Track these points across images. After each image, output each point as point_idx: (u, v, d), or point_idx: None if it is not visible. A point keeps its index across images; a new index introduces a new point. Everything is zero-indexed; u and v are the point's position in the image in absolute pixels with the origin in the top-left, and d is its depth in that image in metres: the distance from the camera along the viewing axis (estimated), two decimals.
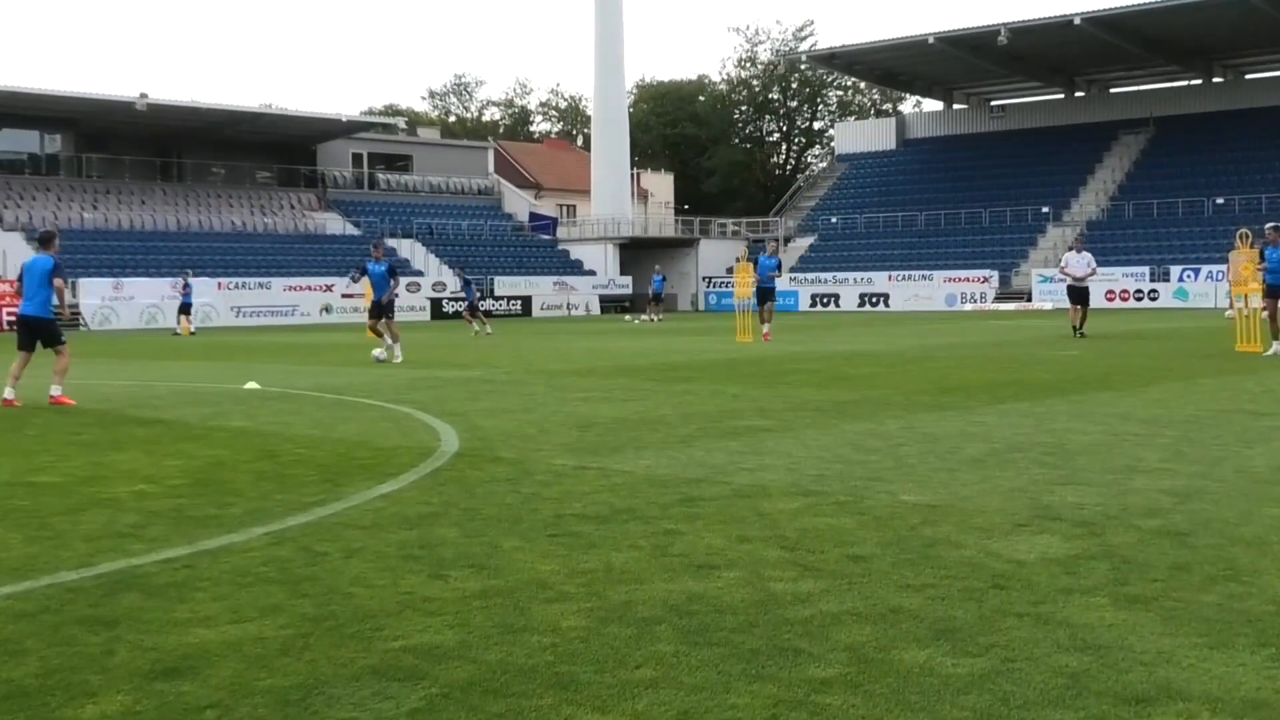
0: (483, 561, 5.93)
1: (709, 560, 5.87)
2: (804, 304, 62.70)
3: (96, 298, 48.74)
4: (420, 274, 61.95)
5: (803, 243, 71.48)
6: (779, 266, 30.46)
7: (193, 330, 41.24)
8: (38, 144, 61.88)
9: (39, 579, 5.71)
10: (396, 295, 24.14)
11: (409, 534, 6.59)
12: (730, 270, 57.81)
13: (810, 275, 64.50)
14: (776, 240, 30.62)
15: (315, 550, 6.22)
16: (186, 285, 41.97)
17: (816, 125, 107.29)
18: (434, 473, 8.71)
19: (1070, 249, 28.15)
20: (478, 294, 35.50)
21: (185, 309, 41.85)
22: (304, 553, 6.17)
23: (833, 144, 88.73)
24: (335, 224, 65.73)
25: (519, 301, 61.57)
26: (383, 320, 23.51)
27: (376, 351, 23.03)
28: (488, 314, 53.28)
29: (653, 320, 47.38)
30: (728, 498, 7.54)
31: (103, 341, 35.21)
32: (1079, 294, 27.25)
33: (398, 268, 32.21)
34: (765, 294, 28.93)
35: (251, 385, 16.59)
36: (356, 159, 71.99)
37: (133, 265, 53.76)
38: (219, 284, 52.48)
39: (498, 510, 7.25)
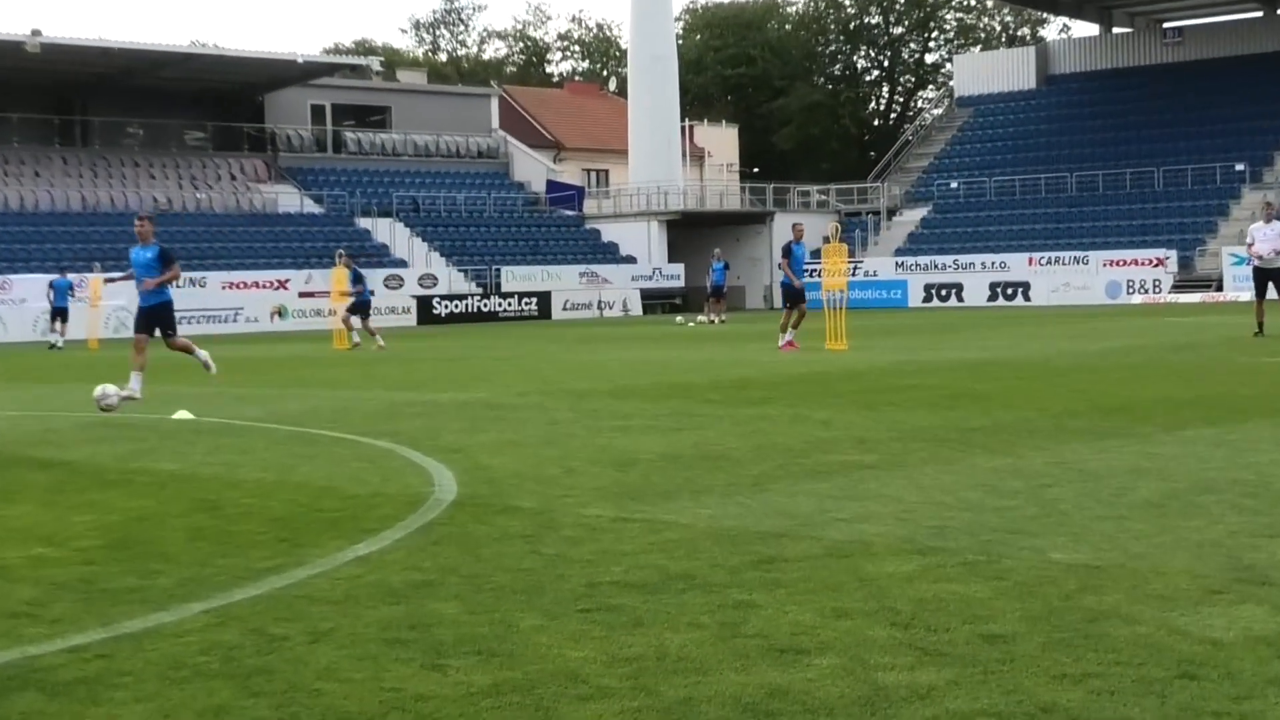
0: (493, 646, 5.93)
1: (795, 642, 5.85)
2: (914, 297, 62.60)
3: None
4: (402, 264, 62.28)
5: (911, 216, 71.44)
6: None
7: (59, 343, 41.55)
8: None
9: None
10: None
11: (394, 610, 6.60)
12: (816, 254, 57.70)
13: (922, 259, 64.42)
14: (800, 225, 30.56)
15: (270, 633, 6.24)
16: (59, 283, 42.64)
17: (929, 58, 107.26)
18: (425, 528, 8.72)
19: (1262, 219, 27.98)
20: (371, 292, 36.95)
21: (60, 313, 42.42)
22: (256, 636, 6.19)
23: (951, 83, 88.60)
24: (290, 199, 66.18)
25: (533, 299, 61.76)
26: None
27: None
28: (505, 315, 53.57)
29: (713, 321, 47.42)
30: (818, 558, 7.51)
31: None
32: (1269, 279, 27.08)
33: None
34: (795, 295, 29.09)
35: (182, 414, 16.70)
36: (317, 113, 72.46)
37: (24, 258, 54.33)
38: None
39: (511, 577, 7.25)
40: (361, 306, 35.96)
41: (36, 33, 57.49)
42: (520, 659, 5.73)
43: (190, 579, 7.40)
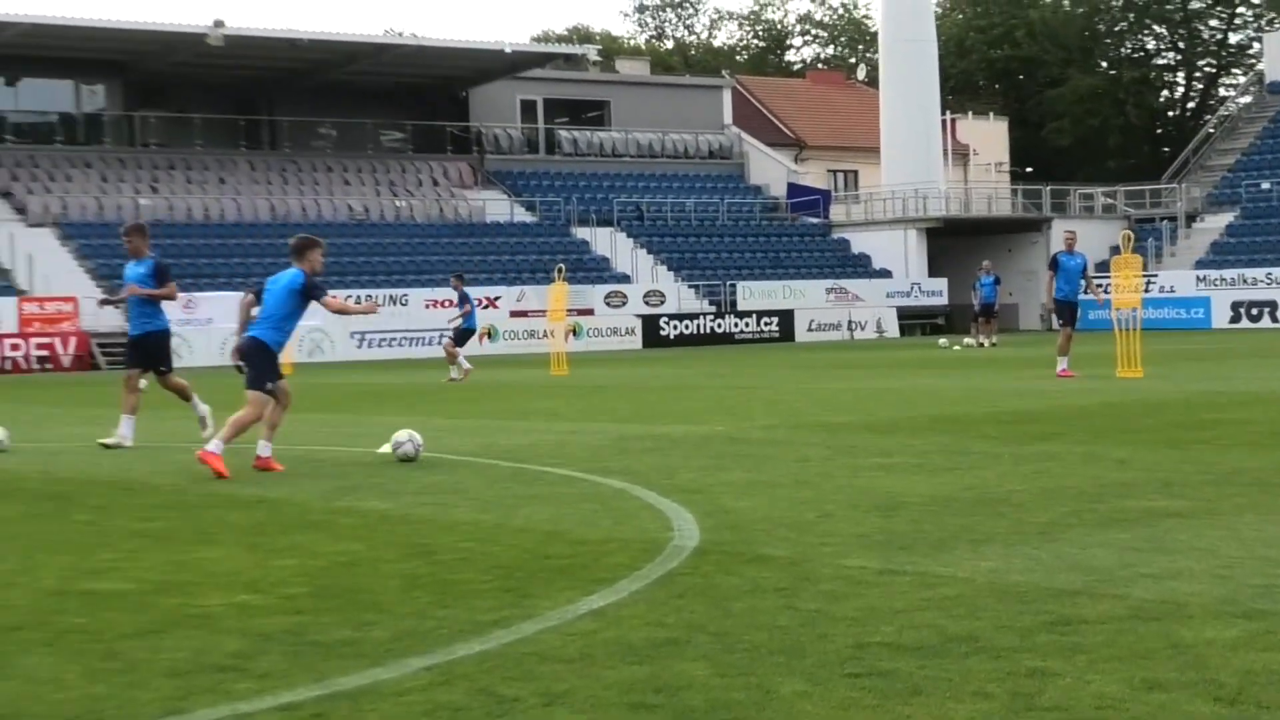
0: (750, 714, 5.95)
1: (1099, 717, 5.79)
2: (1219, 317, 61.33)
3: None
4: (625, 279, 62.74)
5: (1215, 222, 70.08)
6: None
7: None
8: (72, 99, 64.88)
9: None
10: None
11: (636, 671, 6.66)
12: (1103, 266, 56.91)
13: (1228, 273, 63.10)
14: (1073, 233, 30.45)
15: (500, 694, 6.34)
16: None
17: (1233, 38, 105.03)
18: (666, 578, 8.78)
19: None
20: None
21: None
22: (484, 697, 6.29)
23: (1259, 66, 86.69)
24: (499, 206, 67.14)
25: (774, 319, 61.85)
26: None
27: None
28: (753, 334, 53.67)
29: (981, 344, 47.04)
30: (1122, 620, 7.40)
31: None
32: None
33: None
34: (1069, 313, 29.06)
35: (388, 449, 17.01)
36: (527, 109, 73.44)
37: (209, 273, 55.84)
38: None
39: (767, 636, 7.27)
40: (466, 334, 36.45)
41: (219, 23, 59.02)
42: None
43: (407, 631, 7.54)
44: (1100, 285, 35.59)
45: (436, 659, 6.95)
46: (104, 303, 24.91)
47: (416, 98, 70.35)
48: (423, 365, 46.51)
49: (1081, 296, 30.06)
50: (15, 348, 49.28)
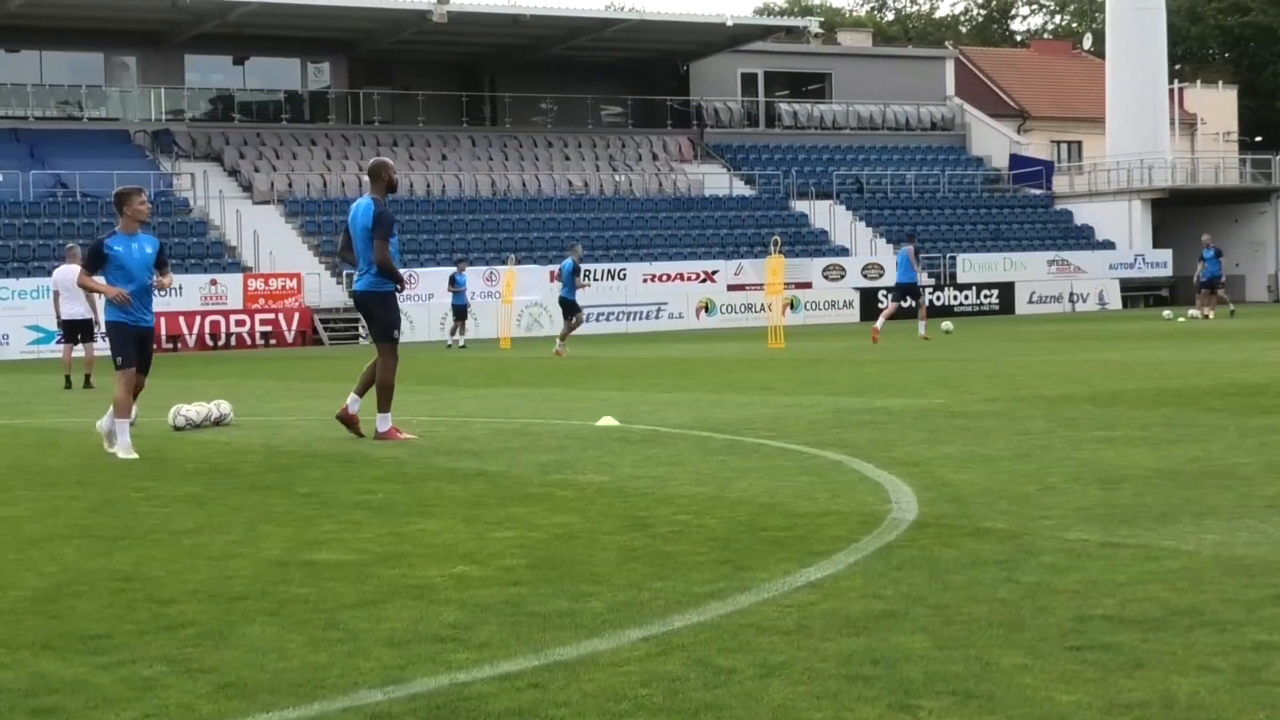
0: (970, 687, 5.91)
1: None
2: None
3: None
4: (844, 252, 62.54)
5: None
6: None
7: (462, 342, 43.32)
8: (298, 78, 66.05)
9: (331, 700, 6.04)
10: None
11: (854, 642, 6.64)
12: None
13: None
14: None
15: (717, 665, 6.35)
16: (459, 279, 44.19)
17: None
18: (884, 550, 8.75)
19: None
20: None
21: (459, 312, 44.14)
22: (701, 668, 6.31)
23: None
24: (718, 180, 67.24)
25: (994, 291, 61.31)
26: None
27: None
28: (934, 310, 53.17)
29: (1207, 316, 46.27)
30: None
31: None
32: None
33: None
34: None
35: (606, 421, 17.12)
36: (747, 82, 73.44)
37: (430, 249, 56.61)
38: (550, 274, 54.46)
39: (987, 609, 7.22)
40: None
41: (443, 0, 59.66)
42: (1002, 702, 5.69)
43: (624, 603, 7.58)
44: None
45: (653, 630, 6.98)
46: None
47: (636, 72, 70.66)
48: (644, 339, 46.70)
49: None
50: (240, 324, 50.33)
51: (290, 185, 59.74)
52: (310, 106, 65.87)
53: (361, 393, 16.35)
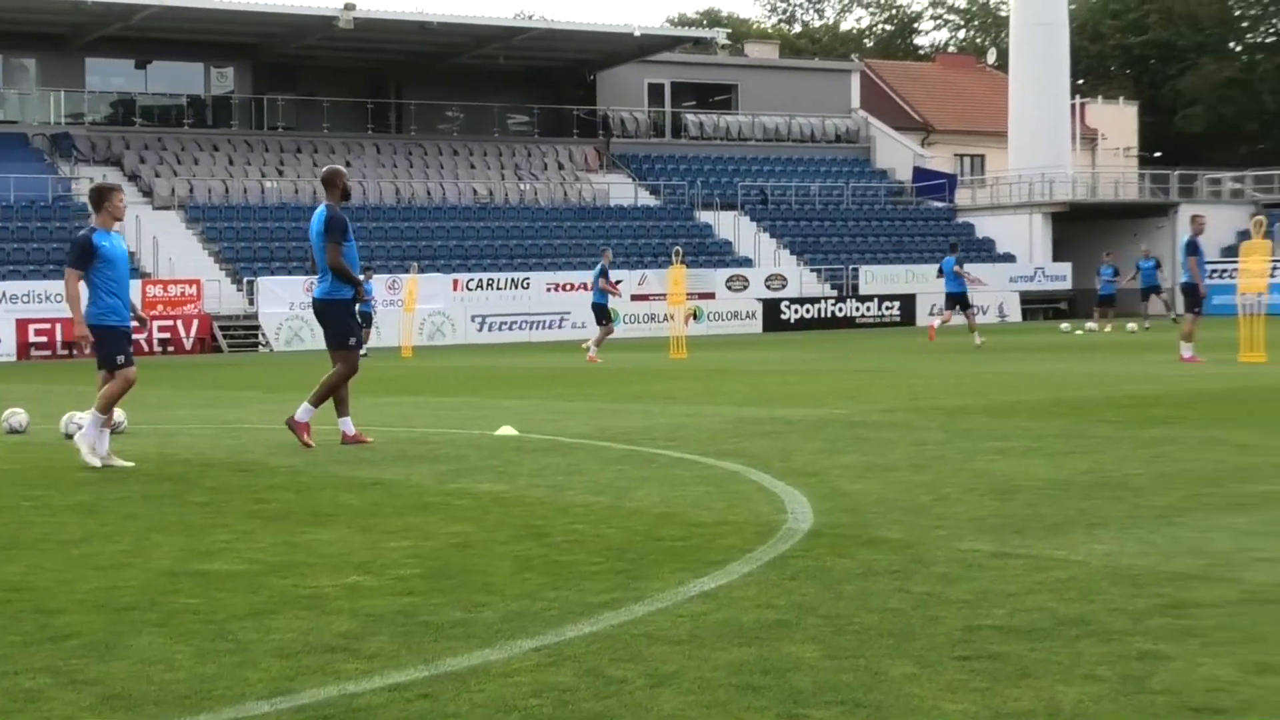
0: (859, 697, 5.93)
1: (1211, 701, 5.74)
2: None
3: (281, 304, 51.27)
4: (747, 263, 62.74)
5: None
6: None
7: (364, 351, 43.20)
8: (201, 82, 65.58)
9: (217, 712, 5.99)
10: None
11: (745, 652, 6.65)
12: (1230, 251, 56.32)
13: None
14: (1202, 217, 29.86)
15: (608, 675, 6.35)
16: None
17: None
18: (778, 560, 8.77)
19: None
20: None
21: (364, 319, 43.94)
22: (592, 678, 6.30)
23: None
24: (623, 190, 67.30)
25: (896, 303, 61.65)
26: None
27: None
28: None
29: (1106, 330, 46.77)
30: (1236, 604, 7.35)
31: (290, 366, 36.88)
32: None
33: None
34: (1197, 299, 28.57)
35: (505, 430, 17.09)
36: (654, 93, 73.56)
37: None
38: (454, 282, 54.41)
39: (878, 619, 7.25)
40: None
41: (350, 6, 59.47)
42: (890, 712, 5.73)
43: (518, 613, 7.57)
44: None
45: (546, 640, 6.97)
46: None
47: (543, 81, 70.65)
48: (547, 349, 46.68)
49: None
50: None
51: (191, 191, 59.30)
52: (213, 111, 65.44)
53: (342, 410, 16.31)
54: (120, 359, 14.73)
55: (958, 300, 40.98)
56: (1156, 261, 48.78)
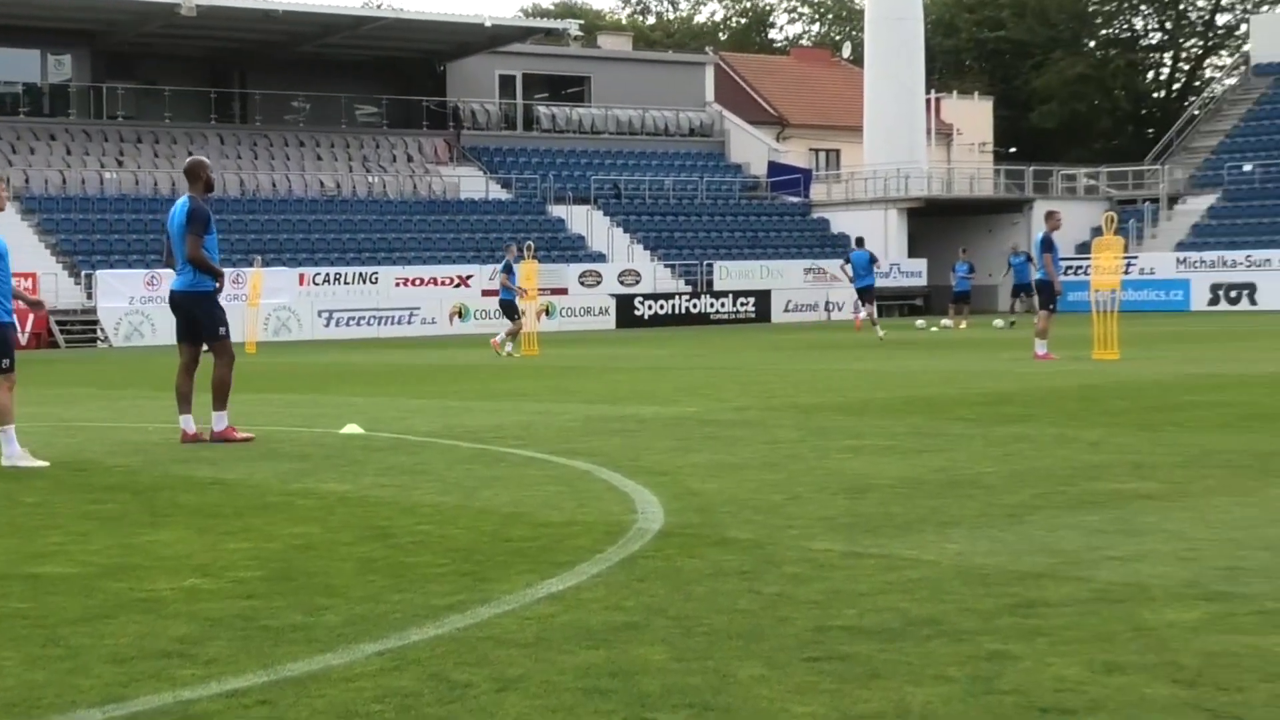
0: (707, 699, 5.94)
1: (1059, 701, 5.79)
2: (1198, 299, 61.63)
3: (121, 299, 50.65)
4: (600, 258, 62.78)
5: (1197, 204, 70.33)
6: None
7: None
8: (37, 70, 64.58)
9: None
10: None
11: (593, 655, 6.64)
12: (1084, 248, 57.07)
13: (1209, 255, 63.36)
14: (1058, 213, 30.39)
15: (452, 679, 6.31)
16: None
17: (1221, 19, 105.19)
18: (628, 561, 8.77)
19: None
20: None
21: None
22: (436, 683, 6.27)
23: (1246, 48, 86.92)
24: (474, 183, 67.12)
25: (750, 299, 61.94)
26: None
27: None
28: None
29: (961, 327, 47.20)
30: (1086, 603, 7.44)
31: (130, 362, 36.47)
32: None
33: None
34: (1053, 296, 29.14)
35: (351, 428, 16.99)
36: (506, 84, 73.38)
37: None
38: (300, 276, 54.01)
39: (727, 620, 7.26)
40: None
41: None
42: (738, 714, 5.73)
43: (361, 616, 7.52)
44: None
45: (389, 644, 6.92)
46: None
47: (393, 72, 70.29)
48: (395, 345, 46.46)
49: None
50: (37, 314, 48.90)
51: (27, 181, 58.42)
52: (50, 100, 64.49)
53: (184, 406, 16.29)
54: (5, 362, 14.42)
55: (866, 294, 41.90)
56: (1027, 256, 49.29)
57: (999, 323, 48.15)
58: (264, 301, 46.64)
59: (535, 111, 73.48)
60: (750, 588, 7.98)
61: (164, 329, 46.57)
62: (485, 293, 55.81)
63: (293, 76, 67.91)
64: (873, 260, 42.64)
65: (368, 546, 9.48)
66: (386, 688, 6.20)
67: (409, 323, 54.80)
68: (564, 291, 57.83)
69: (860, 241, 44.12)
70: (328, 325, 53.49)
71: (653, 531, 9.75)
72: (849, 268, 42.11)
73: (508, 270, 37.20)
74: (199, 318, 16.28)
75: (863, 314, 43.14)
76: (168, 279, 43.43)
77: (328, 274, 54.72)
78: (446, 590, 8.09)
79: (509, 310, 37.24)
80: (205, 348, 16.55)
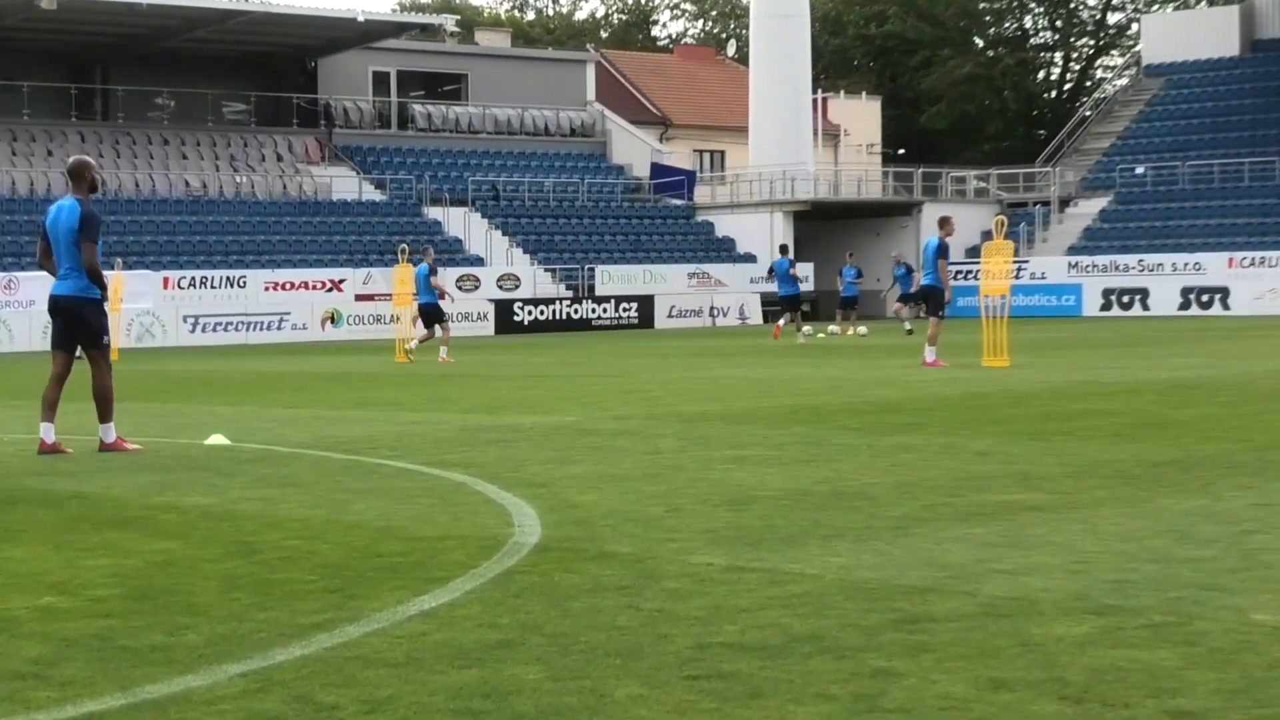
0: (583, 719, 5.95)
1: (944, 719, 5.84)
2: (1090, 304, 62.30)
3: None
4: (479, 262, 62.68)
5: (1088, 207, 71.09)
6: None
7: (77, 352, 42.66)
8: None
9: None
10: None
11: (466, 675, 6.63)
12: (974, 252, 57.55)
13: (1100, 259, 64.05)
14: (950, 219, 30.39)
15: (319, 701, 6.28)
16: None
17: (1112, 18, 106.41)
18: (503, 577, 8.76)
19: None
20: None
21: None
22: (301, 705, 6.23)
23: (1138, 48, 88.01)
24: (347, 184, 66.79)
25: (633, 305, 62.04)
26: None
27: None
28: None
29: (849, 333, 47.40)
30: (972, 617, 7.49)
31: None
32: None
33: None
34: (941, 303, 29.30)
35: (216, 439, 16.86)
36: (380, 81, 73.11)
37: (32, 252, 54.96)
38: (164, 280, 53.53)
39: (605, 637, 7.27)
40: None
41: None
42: None
43: (224, 636, 7.46)
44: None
45: (253, 665, 6.87)
46: None
47: (261, 68, 69.84)
48: (265, 352, 46.14)
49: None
50: None
51: None
52: None
53: (48, 414, 16.06)
54: None
55: (791, 303, 43.75)
56: (908, 267, 49.62)
57: (824, 328, 48.54)
58: (126, 306, 46.03)
59: (410, 110, 73.24)
60: (629, 604, 7.98)
61: (21, 335, 46.08)
62: (359, 297, 55.67)
63: (157, 72, 67.32)
64: (791, 267, 43.36)
65: (232, 563, 9.40)
66: (250, 710, 6.16)
67: (279, 329, 54.46)
68: (442, 296, 57.58)
69: (784, 249, 44.80)
70: (193, 331, 53.04)
71: (530, 546, 9.74)
72: (774, 277, 43.09)
73: (431, 274, 37.04)
74: (86, 324, 16.09)
75: (782, 322, 44.06)
76: (31, 283, 42.69)
77: (193, 278, 54.30)
78: (314, 608, 8.04)
79: (434, 315, 36.96)
80: (78, 354, 16.43)
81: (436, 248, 60.48)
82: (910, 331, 46.42)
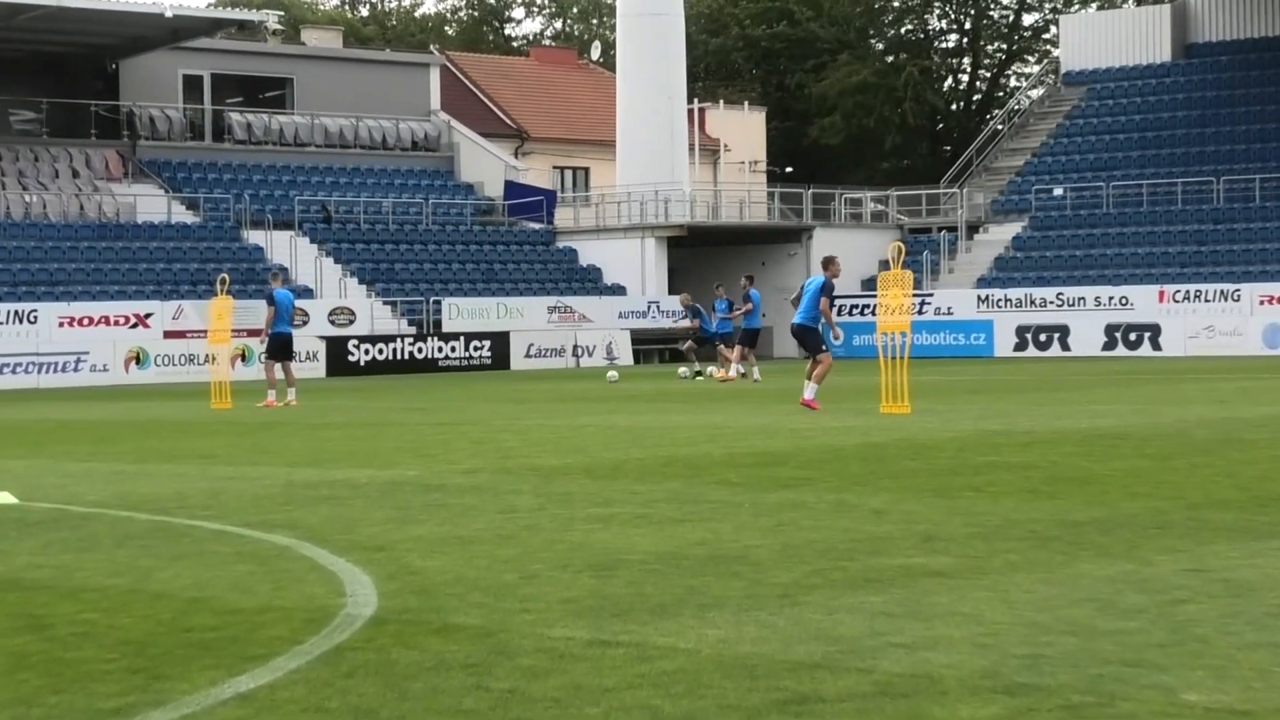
0: None
1: None
2: (1003, 344, 62.75)
3: None
4: (307, 293, 62.32)
5: (1000, 234, 71.64)
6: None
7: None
8: None
9: None
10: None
11: None
12: (871, 284, 57.88)
13: (1014, 293, 64.51)
14: (836, 260, 30.44)
15: None
16: None
17: (1027, 19, 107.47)
18: (333, 653, 8.76)
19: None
20: None
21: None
22: None
23: (1056, 53, 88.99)
24: (154, 203, 66.27)
25: (486, 343, 61.95)
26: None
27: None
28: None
29: (736, 377, 47.42)
30: (866, 697, 7.54)
31: None
32: None
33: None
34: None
35: (3, 498, 16.71)
36: (191, 86, 72.70)
37: None
38: None
39: None
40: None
41: None
42: None
43: None
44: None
45: None
46: None
47: (55, 71, 69.21)
48: (58, 397, 45.70)
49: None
50: None
51: None
52: None
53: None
54: None
55: (749, 338, 45.85)
56: (730, 303, 49.79)
57: (692, 371, 48.52)
58: None
59: (227, 119, 72.77)
60: (478, 683, 8.00)
61: None
62: (168, 334, 55.20)
63: None
64: (730, 303, 44.14)
65: (20, 639, 9.34)
66: None
67: (75, 370, 53.90)
68: (261, 333, 57.36)
69: (750, 279, 46.10)
70: None
71: (364, 618, 9.74)
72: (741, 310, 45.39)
73: (272, 301, 36.89)
74: None
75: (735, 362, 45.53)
76: None
77: None
78: (114, 690, 8.01)
79: (286, 350, 36.95)
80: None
81: (258, 278, 60.37)
82: (686, 377, 46.79)
